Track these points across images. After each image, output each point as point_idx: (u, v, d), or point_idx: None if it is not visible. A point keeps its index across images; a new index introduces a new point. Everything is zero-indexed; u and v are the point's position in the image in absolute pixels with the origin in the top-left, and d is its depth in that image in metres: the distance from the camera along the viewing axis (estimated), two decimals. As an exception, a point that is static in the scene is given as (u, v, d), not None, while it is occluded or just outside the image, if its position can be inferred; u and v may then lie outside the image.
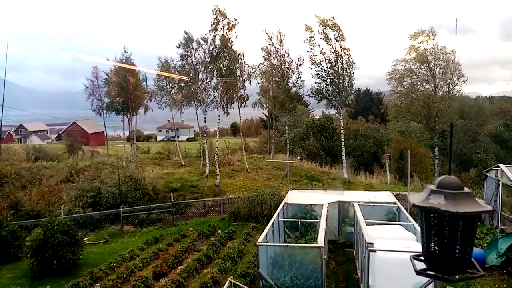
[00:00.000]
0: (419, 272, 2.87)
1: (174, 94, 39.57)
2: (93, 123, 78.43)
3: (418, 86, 32.76)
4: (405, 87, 33.06)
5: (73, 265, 15.16)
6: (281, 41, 37.48)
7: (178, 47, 34.62)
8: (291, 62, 37.54)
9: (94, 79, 37.84)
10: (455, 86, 32.02)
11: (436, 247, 2.75)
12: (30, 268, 14.79)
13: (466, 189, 2.74)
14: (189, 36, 34.34)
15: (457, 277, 2.76)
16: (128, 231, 21.75)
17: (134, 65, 37.75)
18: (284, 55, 37.59)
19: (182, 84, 36.94)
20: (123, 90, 35.68)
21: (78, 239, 15.82)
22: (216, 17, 32.99)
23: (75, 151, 44.77)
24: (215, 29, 33.19)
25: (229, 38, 33.61)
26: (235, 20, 33.69)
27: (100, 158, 38.90)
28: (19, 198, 24.67)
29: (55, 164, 34.16)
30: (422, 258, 2.92)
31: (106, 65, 37.54)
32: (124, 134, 43.23)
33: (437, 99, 31.54)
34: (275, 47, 37.69)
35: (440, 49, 31.62)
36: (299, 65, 37.13)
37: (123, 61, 36.43)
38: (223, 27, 33.24)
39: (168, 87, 39.89)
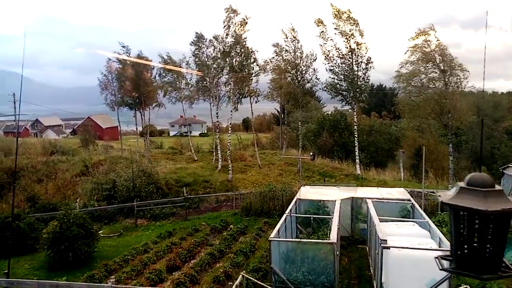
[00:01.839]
0: (445, 270, 2.83)
1: (184, 90, 39.75)
2: (107, 118, 79.41)
3: (428, 84, 32.21)
4: (415, 85, 32.53)
5: (88, 258, 15.42)
6: (295, 37, 37.10)
7: (191, 45, 35.26)
8: (308, 57, 37.07)
9: (108, 74, 38.18)
10: (462, 81, 31.35)
11: (465, 246, 2.69)
12: (47, 260, 15.12)
13: (497, 187, 2.66)
14: (200, 34, 34.93)
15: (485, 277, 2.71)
16: (142, 225, 22.04)
17: (149, 60, 38.07)
18: (301, 50, 37.19)
19: (189, 80, 37.33)
20: (136, 85, 36.02)
21: (93, 232, 16.07)
22: (228, 14, 33.17)
23: (89, 146, 45.40)
24: (228, 27, 33.37)
25: (241, 35, 33.64)
26: (246, 17, 33.78)
27: (114, 153, 39.36)
28: (35, 191, 25.17)
29: (70, 158, 34.73)
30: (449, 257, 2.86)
31: (119, 60, 37.83)
32: (137, 129, 43.60)
33: (448, 95, 30.99)
34: (290, 43, 37.31)
35: (445, 45, 31.05)
36: (313, 60, 36.70)
37: (138, 56, 36.82)
38: (235, 23, 33.37)
39: (177, 82, 40.01)
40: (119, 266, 14.47)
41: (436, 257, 3.00)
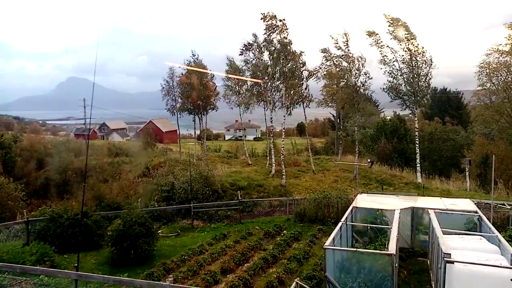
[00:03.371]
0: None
1: (243, 95, 40.51)
2: (167, 122, 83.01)
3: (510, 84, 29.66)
4: (495, 83, 30.05)
5: (148, 256, 16.15)
6: (347, 42, 36.02)
7: (240, 54, 36.25)
8: (359, 60, 35.86)
9: (170, 80, 39.88)
10: None
11: None
12: (110, 256, 16.02)
13: None
14: (249, 42, 35.54)
15: None
16: (198, 226, 22.68)
17: (206, 68, 39.30)
18: (352, 54, 36.08)
19: (248, 84, 37.86)
20: (199, 93, 37.40)
21: (153, 231, 16.81)
22: (268, 21, 33.27)
23: (150, 148, 47.68)
24: (271, 34, 33.53)
25: (286, 38, 33.55)
26: (282, 20, 33.53)
27: (173, 155, 40.97)
28: (101, 190, 26.87)
29: (133, 160, 36.72)
30: None
31: (180, 67, 39.55)
32: (195, 133, 45.04)
33: None
34: (343, 48, 36.26)
35: None
36: (363, 64, 35.40)
37: (196, 63, 38.19)
38: (279, 29, 33.37)
39: (236, 87, 40.92)
40: (176, 266, 14.98)
41: None
